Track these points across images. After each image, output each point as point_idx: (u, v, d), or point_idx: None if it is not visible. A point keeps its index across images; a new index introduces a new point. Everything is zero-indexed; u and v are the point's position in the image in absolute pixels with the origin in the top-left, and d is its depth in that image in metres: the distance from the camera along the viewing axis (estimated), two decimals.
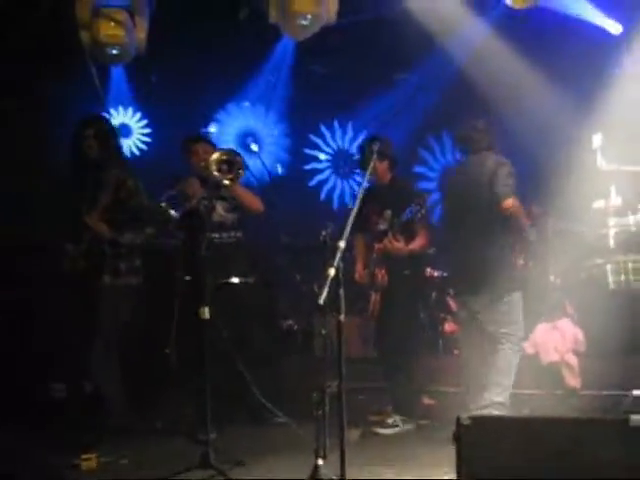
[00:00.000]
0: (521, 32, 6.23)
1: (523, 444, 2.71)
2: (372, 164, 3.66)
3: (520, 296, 4.45)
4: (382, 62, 7.08)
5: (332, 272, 2.94)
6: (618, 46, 6.07)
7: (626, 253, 4.87)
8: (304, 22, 3.87)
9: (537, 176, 6.13)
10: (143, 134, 7.60)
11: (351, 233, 3.18)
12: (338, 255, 2.98)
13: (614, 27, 6.02)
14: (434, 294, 5.84)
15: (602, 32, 6.08)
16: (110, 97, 7.03)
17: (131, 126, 7.58)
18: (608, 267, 4.93)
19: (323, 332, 3.54)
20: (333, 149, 8.10)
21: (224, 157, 4.31)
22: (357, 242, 4.93)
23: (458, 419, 2.75)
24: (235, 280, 4.73)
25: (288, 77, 7.36)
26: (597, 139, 4.56)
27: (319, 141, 8.08)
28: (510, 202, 4.26)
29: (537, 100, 6.38)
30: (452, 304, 5.53)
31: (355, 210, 3.20)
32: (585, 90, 6.28)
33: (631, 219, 4.77)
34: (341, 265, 3.02)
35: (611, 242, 4.80)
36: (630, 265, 4.63)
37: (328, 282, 2.93)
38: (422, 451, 4.17)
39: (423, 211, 4.49)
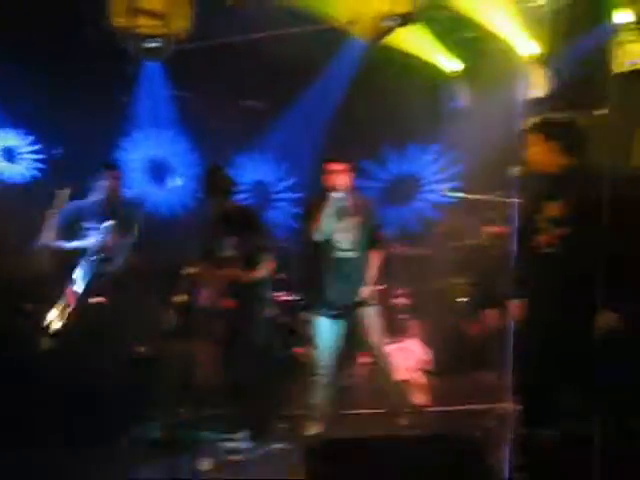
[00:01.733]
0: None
1: (370, 464, 2.79)
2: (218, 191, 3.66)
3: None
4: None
5: (181, 298, 2.90)
6: (455, 82, 6.47)
7: (465, 274, 5.20)
8: (153, 44, 3.76)
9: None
10: (33, 159, 6.93)
11: (199, 258, 3.17)
12: (188, 281, 2.95)
13: (451, 64, 6.40)
14: (285, 319, 5.86)
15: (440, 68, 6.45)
16: None
17: (17, 149, 6.90)
18: (450, 287, 5.22)
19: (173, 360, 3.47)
20: (253, 180, 7.90)
21: None
22: (204, 268, 4.88)
23: (306, 443, 2.79)
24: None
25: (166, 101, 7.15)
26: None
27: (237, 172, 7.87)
28: None
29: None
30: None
31: (202, 237, 3.19)
32: (425, 123, 6.68)
33: (467, 242, 5.12)
34: (192, 291, 2.98)
35: (452, 264, 5.13)
36: (465, 286, 4.94)
37: (178, 308, 2.89)
38: (274, 475, 4.17)
39: (269, 239, 4.57)
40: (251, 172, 7.84)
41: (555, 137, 3.61)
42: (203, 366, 5.35)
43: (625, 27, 5.46)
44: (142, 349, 5.17)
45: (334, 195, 4.72)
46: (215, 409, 5.31)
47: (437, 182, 6.41)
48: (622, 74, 5.61)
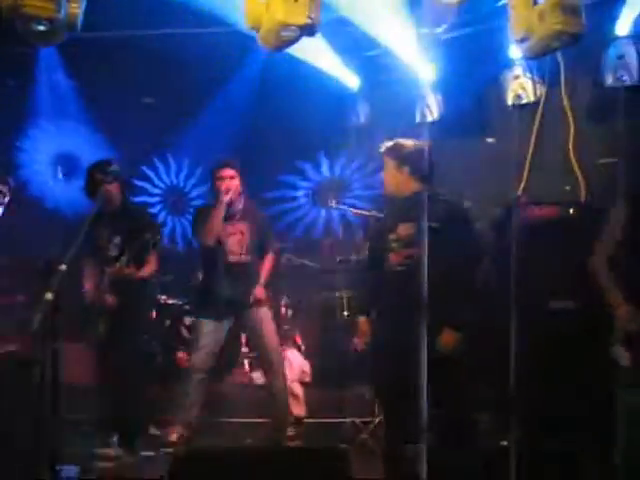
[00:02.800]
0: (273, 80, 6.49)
1: (238, 474, 2.76)
2: (102, 187, 3.55)
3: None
4: None
5: (50, 296, 2.78)
6: (356, 97, 6.58)
7: (351, 288, 5.29)
8: (41, 27, 3.57)
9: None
10: None
11: (80, 257, 3.05)
12: (57, 278, 2.82)
13: (352, 80, 6.52)
14: (168, 322, 5.76)
15: (342, 84, 6.50)
16: None
17: None
18: (335, 301, 5.30)
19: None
20: (166, 184, 7.59)
21: None
22: (86, 266, 4.75)
23: (174, 451, 2.74)
24: None
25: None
26: None
27: (151, 174, 7.53)
28: None
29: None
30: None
31: (82, 234, 3.07)
32: (326, 139, 6.78)
33: (354, 257, 5.23)
34: (61, 289, 2.86)
35: (337, 277, 5.22)
36: (351, 300, 5.04)
37: (44, 306, 2.76)
38: None
39: (156, 239, 4.47)
40: (165, 176, 7.64)
41: (405, 162, 3.74)
42: (79, 367, 5.20)
43: (517, 63, 5.71)
44: (10, 347, 4.93)
45: (225, 200, 4.71)
46: (86, 413, 5.15)
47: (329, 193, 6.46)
48: (512, 106, 5.88)
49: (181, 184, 7.57)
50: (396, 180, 3.74)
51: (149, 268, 4.68)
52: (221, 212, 4.73)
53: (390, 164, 3.79)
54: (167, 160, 7.54)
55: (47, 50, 6.39)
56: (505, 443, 4.48)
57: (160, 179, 7.59)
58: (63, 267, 2.86)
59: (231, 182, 4.77)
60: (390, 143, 3.82)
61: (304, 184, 7.15)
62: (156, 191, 7.56)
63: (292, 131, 6.73)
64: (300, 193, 7.10)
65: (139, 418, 4.72)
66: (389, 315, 3.58)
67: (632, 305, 3.17)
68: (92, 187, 4.49)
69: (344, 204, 5.69)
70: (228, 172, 4.80)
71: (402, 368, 3.35)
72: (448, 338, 3.53)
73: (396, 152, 3.78)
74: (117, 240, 4.61)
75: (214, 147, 6.72)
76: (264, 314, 4.87)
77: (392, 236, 3.63)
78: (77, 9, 3.59)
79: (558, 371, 4.43)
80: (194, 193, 7.57)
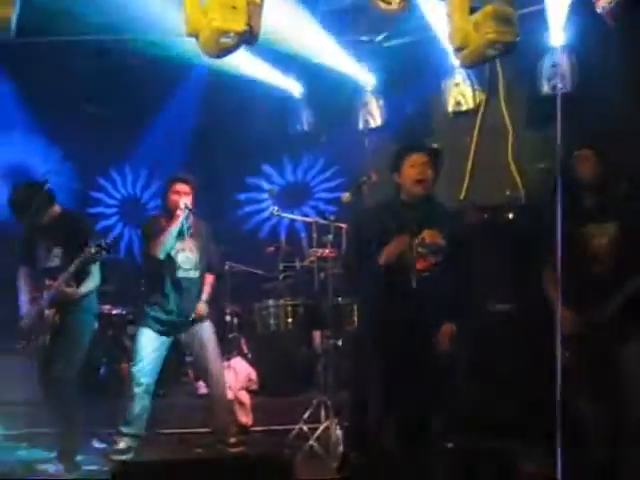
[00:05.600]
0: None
1: None
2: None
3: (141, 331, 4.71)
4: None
5: None
6: (299, 105, 6.61)
7: (292, 296, 5.28)
8: None
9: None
10: None
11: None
12: None
13: (295, 88, 6.54)
14: (110, 332, 5.66)
15: (285, 92, 6.54)
16: None
17: None
18: (271, 309, 5.31)
19: None
20: (122, 195, 7.47)
21: None
22: (23, 276, 4.62)
23: (114, 464, 2.69)
24: None
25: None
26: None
27: (108, 185, 7.41)
28: None
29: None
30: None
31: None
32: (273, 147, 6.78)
33: (297, 264, 5.21)
34: None
35: (280, 285, 5.21)
36: (290, 308, 5.01)
37: None
38: None
39: (99, 255, 4.39)
40: (121, 186, 7.49)
41: (440, 165, 3.74)
42: (17, 380, 5.06)
43: (457, 70, 5.81)
44: None
45: (180, 214, 4.67)
46: (27, 427, 5.03)
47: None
48: (453, 113, 5.99)
49: (138, 194, 7.44)
50: (429, 182, 3.64)
51: (91, 283, 4.55)
52: (175, 227, 4.66)
53: (429, 164, 3.66)
54: (124, 171, 7.41)
55: None
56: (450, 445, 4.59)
57: (116, 190, 7.46)
58: None
59: (186, 198, 4.71)
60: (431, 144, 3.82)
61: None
62: (112, 202, 7.43)
63: (237, 140, 6.72)
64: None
65: (79, 432, 4.59)
66: (407, 321, 3.54)
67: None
68: (25, 210, 4.43)
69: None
70: (185, 188, 4.73)
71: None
72: (447, 330, 3.55)
73: (437, 152, 3.77)
74: (57, 251, 4.50)
75: (169, 158, 6.67)
76: (205, 327, 4.83)
77: (416, 241, 3.55)
78: (8, 11, 3.41)
79: (497, 372, 4.51)
80: (151, 204, 7.37)
